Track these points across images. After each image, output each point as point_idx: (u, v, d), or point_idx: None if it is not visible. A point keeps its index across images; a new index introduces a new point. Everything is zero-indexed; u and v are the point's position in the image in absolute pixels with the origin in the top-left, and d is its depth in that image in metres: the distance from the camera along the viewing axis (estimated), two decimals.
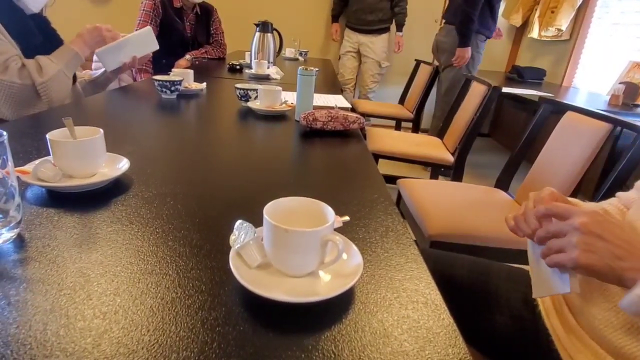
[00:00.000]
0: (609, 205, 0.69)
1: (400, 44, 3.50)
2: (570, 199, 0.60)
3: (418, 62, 3.27)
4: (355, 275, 0.44)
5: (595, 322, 0.57)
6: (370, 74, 3.58)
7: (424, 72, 2.99)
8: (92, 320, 0.38)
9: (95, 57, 1.49)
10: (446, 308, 0.44)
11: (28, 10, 1.28)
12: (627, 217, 0.62)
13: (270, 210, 0.45)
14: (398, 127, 3.16)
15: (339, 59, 3.68)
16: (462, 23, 2.57)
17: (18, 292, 0.41)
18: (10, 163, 0.48)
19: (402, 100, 3.33)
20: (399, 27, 3.43)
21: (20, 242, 0.49)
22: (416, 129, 3.08)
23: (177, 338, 0.37)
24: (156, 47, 1.58)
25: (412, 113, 3.00)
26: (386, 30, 3.49)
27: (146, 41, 1.55)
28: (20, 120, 1.08)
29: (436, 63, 2.99)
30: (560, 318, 0.64)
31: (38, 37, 1.31)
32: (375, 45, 3.49)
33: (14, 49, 1.18)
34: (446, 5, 3.81)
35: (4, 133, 0.46)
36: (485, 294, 0.77)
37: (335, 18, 3.55)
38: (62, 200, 0.61)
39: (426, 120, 3.72)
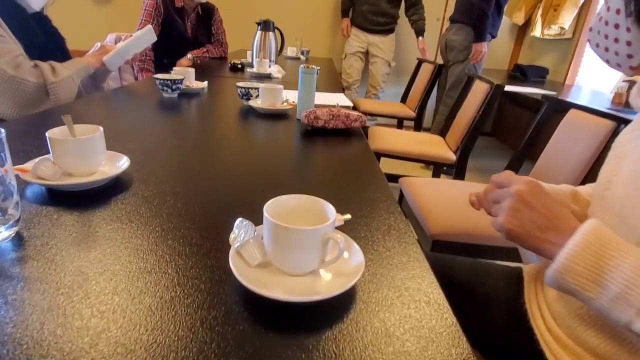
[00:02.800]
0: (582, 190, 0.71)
1: (424, 49, 3.43)
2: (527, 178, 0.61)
3: (420, 61, 3.25)
4: (356, 274, 0.44)
5: (569, 320, 0.57)
6: (381, 73, 3.60)
7: (426, 71, 2.98)
8: (90, 320, 0.37)
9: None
10: (449, 307, 0.43)
11: (30, 9, 1.28)
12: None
13: (271, 208, 0.45)
14: (400, 126, 3.14)
15: (344, 58, 3.65)
16: (478, 19, 2.70)
17: (15, 291, 0.40)
18: (8, 161, 0.47)
19: (404, 99, 3.32)
20: (420, 33, 3.38)
21: (18, 240, 0.49)
22: (418, 127, 3.06)
23: (176, 337, 0.36)
24: (154, 39, 1.67)
25: (415, 112, 2.98)
26: (393, 30, 3.50)
27: (146, 38, 1.63)
28: (20, 118, 1.08)
29: (440, 62, 2.99)
30: (542, 318, 0.65)
31: (40, 36, 1.31)
32: (384, 44, 3.50)
33: (18, 48, 1.18)
34: (447, 4, 3.83)
35: (2, 130, 0.46)
36: (484, 296, 0.77)
37: (345, 12, 3.49)
38: (62, 198, 0.60)
39: (428, 119, 3.71)
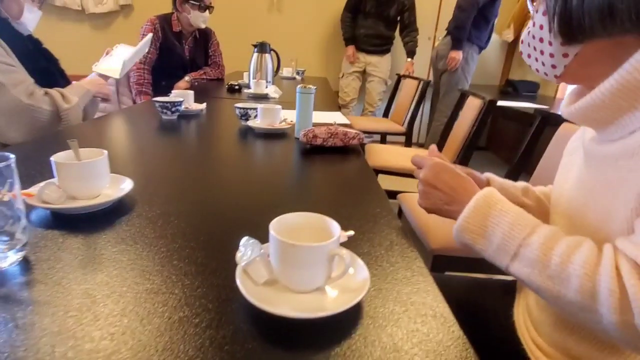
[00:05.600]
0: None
1: (409, 70, 3.54)
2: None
3: (400, 77, 3.35)
4: (362, 290, 0.44)
5: (547, 328, 0.60)
6: (378, 91, 3.72)
7: (410, 87, 2.99)
8: (100, 342, 0.38)
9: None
10: (455, 321, 0.44)
11: (26, 32, 1.31)
12: None
13: (276, 226, 0.45)
14: (383, 141, 3.17)
15: (342, 77, 3.74)
16: (455, 28, 2.99)
17: (25, 315, 0.40)
18: (17, 186, 0.48)
19: (386, 114, 3.40)
20: (410, 55, 3.53)
21: (26, 264, 0.49)
22: (409, 143, 3.08)
23: (186, 358, 0.36)
24: (147, 48, 1.85)
25: (403, 126, 2.99)
26: (389, 50, 3.65)
27: (144, 48, 1.79)
28: (24, 143, 1.09)
29: (430, 78, 3.07)
30: (527, 328, 0.66)
31: (41, 59, 1.34)
32: (381, 64, 3.64)
33: (28, 76, 1.20)
34: (438, 23, 3.94)
35: (12, 156, 0.47)
36: (481, 311, 0.77)
37: (349, 41, 3.60)
38: (67, 221, 0.61)
39: (420, 134, 3.77)
